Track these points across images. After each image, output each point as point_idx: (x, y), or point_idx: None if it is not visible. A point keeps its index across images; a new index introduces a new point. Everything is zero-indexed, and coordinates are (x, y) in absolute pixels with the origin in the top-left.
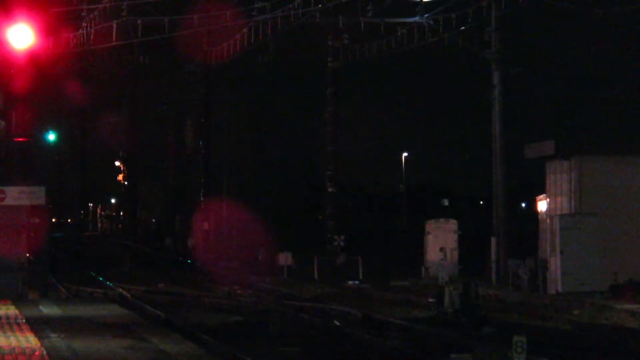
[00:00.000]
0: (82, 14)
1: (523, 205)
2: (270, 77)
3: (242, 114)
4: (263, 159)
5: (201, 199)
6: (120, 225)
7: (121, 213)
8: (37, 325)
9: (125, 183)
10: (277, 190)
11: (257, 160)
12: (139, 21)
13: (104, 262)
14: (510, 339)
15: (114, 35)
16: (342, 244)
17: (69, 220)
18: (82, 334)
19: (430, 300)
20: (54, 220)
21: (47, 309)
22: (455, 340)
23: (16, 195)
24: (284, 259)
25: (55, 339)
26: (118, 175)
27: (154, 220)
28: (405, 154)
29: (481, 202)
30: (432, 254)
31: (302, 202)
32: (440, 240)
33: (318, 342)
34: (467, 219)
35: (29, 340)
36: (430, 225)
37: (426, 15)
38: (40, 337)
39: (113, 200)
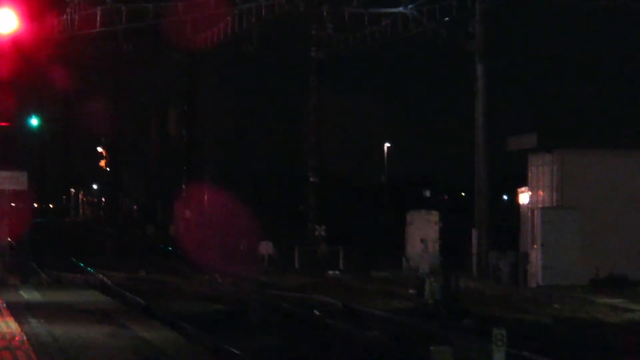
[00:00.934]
0: (66, 0)
1: (505, 197)
2: (254, 66)
3: (225, 102)
4: (246, 148)
5: (183, 186)
6: (102, 212)
7: (103, 199)
8: (18, 311)
9: (108, 169)
10: (260, 179)
11: (240, 149)
12: (123, 8)
13: (85, 248)
14: (490, 332)
15: (98, 21)
16: (323, 234)
17: (51, 206)
18: (63, 320)
19: (410, 291)
20: (35, 205)
21: (28, 295)
22: (435, 332)
23: None
24: (265, 248)
25: (36, 324)
26: (100, 161)
27: (135, 207)
28: (387, 145)
29: (463, 194)
30: (413, 245)
31: (284, 191)
32: (422, 232)
33: (298, 331)
34: (449, 210)
35: (9, 325)
36: (412, 217)
37: (410, 6)
38: (20, 323)
39: (95, 186)
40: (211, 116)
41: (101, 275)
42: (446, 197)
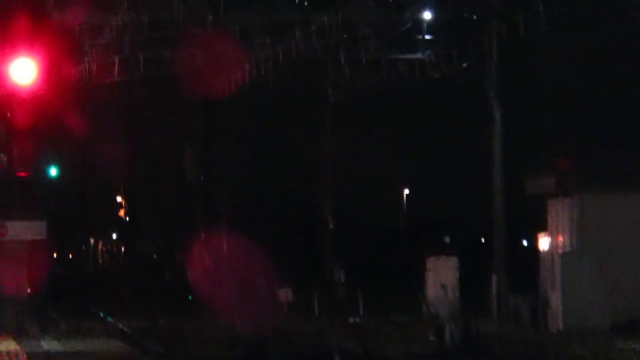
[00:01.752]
0: (85, 49)
1: (524, 241)
2: (271, 111)
3: (242, 147)
4: (263, 192)
5: (201, 232)
6: (120, 260)
7: (122, 248)
8: None
9: (127, 218)
10: (278, 223)
11: (258, 193)
12: (140, 56)
13: (104, 296)
14: None
15: (115, 69)
16: (342, 279)
17: (70, 255)
18: None
19: (431, 338)
20: (54, 254)
21: (48, 344)
22: None
23: (18, 229)
24: (284, 293)
25: None
26: (119, 211)
27: (154, 255)
28: (406, 191)
29: (482, 239)
30: (433, 291)
31: (302, 235)
32: (441, 277)
33: None
34: (468, 254)
35: None
36: (431, 262)
37: (427, 51)
38: None
39: (114, 236)
40: (228, 160)
41: (120, 324)
42: (465, 240)
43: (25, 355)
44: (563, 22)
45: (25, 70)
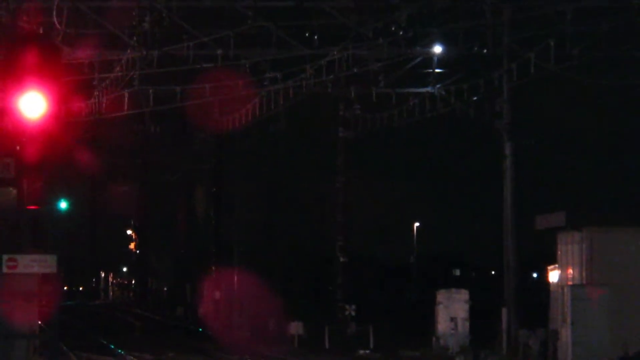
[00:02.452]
0: (94, 83)
1: (534, 275)
2: (282, 146)
3: (253, 183)
4: (274, 228)
5: (212, 267)
6: (131, 294)
7: (132, 281)
8: None
9: (137, 252)
10: (289, 258)
11: (268, 229)
12: (150, 90)
13: (114, 330)
14: None
15: (125, 104)
16: (352, 313)
17: (80, 289)
18: None
19: None
20: (65, 288)
21: None
22: None
23: (27, 263)
24: (295, 328)
25: None
26: (130, 244)
27: (165, 289)
28: (417, 224)
29: (492, 272)
30: (443, 324)
31: (313, 270)
32: (451, 310)
33: None
34: (478, 288)
35: None
36: (441, 295)
37: (438, 86)
38: None
39: (125, 269)
40: (239, 196)
41: (131, 357)
42: (476, 274)
43: None
44: (575, 60)
45: (34, 104)
